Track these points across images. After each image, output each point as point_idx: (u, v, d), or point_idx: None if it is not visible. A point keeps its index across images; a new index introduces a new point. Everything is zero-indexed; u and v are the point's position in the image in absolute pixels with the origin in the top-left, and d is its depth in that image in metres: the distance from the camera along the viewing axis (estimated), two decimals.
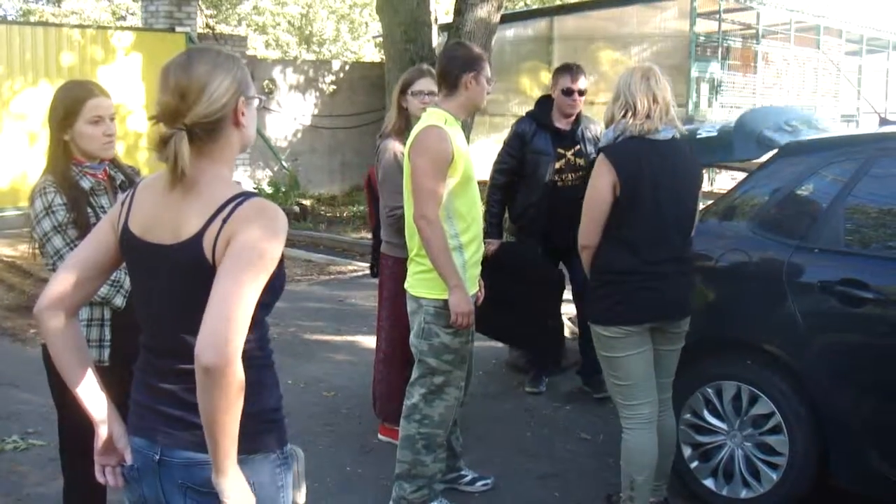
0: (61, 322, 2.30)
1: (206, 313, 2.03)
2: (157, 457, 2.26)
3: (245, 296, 2.06)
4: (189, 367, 2.18)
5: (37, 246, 3.37)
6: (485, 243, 5.82)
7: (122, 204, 2.34)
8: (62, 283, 2.30)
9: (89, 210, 3.33)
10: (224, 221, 2.13)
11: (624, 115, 3.97)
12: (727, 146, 4.86)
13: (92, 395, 2.34)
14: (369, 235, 6.67)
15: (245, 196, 2.18)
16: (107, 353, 3.36)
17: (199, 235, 2.15)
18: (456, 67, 4.22)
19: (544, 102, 6.15)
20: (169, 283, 2.22)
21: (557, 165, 5.92)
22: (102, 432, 2.34)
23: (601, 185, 3.97)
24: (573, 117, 5.98)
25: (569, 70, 5.95)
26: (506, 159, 6.06)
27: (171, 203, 2.22)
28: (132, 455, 2.33)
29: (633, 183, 3.92)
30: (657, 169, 3.94)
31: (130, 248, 2.29)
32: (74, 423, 3.34)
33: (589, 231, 4.04)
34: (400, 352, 5.03)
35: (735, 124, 4.96)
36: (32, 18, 25.84)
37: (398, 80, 5.15)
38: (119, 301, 3.31)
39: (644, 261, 3.97)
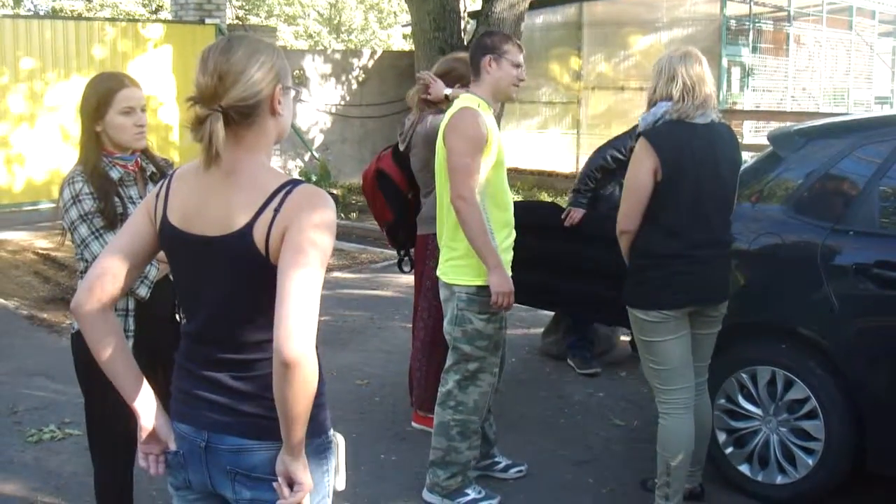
0: (99, 314, 2.27)
1: (280, 308, 2.03)
2: (204, 443, 2.26)
3: (315, 287, 2.08)
4: (236, 356, 2.19)
5: (68, 236, 3.39)
6: (570, 210, 5.77)
7: (157, 195, 2.32)
8: (99, 275, 2.28)
9: (117, 200, 3.33)
10: (276, 211, 2.12)
11: (682, 99, 3.91)
12: (772, 156, 4.80)
13: (133, 386, 2.32)
14: None
15: (293, 183, 2.17)
16: (131, 343, 3.36)
17: (249, 227, 2.13)
18: (477, 53, 4.28)
19: None
20: (216, 275, 2.21)
21: None
22: (146, 423, 2.32)
23: (642, 170, 3.93)
24: None
25: None
26: (624, 152, 5.74)
27: (212, 193, 2.21)
28: (177, 441, 2.33)
29: (674, 167, 3.89)
30: (698, 153, 3.91)
31: (171, 238, 2.27)
32: (100, 411, 3.37)
33: (629, 216, 4.00)
34: (441, 340, 5.01)
35: (769, 139, 4.96)
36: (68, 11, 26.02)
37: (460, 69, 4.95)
38: (143, 291, 3.30)
39: (684, 244, 3.93)
